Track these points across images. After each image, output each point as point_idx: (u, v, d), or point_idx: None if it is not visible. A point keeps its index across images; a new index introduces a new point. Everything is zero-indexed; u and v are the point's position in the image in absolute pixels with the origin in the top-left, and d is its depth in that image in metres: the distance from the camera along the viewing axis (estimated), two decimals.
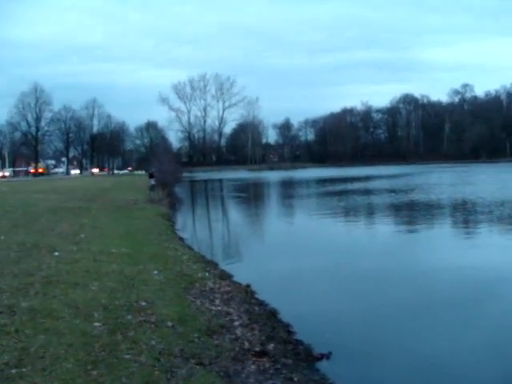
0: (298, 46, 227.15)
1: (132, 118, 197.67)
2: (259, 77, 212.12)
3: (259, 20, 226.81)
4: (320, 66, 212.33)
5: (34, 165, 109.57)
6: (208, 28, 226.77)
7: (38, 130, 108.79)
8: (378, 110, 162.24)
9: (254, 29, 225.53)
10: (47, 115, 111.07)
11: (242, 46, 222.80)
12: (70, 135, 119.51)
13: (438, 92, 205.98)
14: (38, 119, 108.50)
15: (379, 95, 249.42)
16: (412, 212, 28.18)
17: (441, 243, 17.72)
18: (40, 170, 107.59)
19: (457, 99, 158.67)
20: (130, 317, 7.55)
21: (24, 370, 5.44)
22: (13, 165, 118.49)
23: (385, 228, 22.23)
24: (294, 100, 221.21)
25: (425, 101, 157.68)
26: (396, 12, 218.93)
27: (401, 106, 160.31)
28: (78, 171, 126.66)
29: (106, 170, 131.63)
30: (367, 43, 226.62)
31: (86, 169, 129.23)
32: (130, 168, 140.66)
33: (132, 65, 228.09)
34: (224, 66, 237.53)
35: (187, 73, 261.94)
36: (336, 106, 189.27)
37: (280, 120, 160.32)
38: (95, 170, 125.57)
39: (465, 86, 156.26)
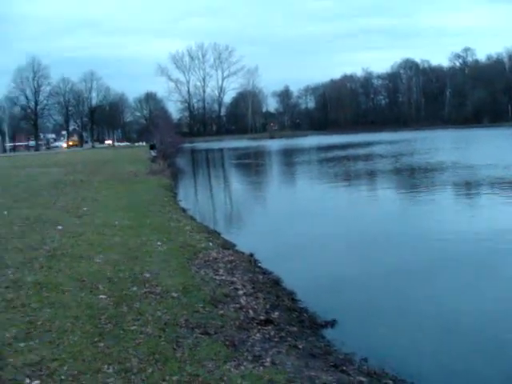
0: (298, 14, 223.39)
1: (131, 89, 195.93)
2: (259, 46, 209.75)
3: None
4: (320, 34, 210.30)
5: (65, 138, 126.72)
6: None
7: (36, 104, 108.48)
8: (379, 76, 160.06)
9: None
10: (46, 89, 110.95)
11: (243, 16, 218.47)
12: (70, 108, 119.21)
13: (439, 57, 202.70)
14: (36, 93, 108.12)
15: (380, 61, 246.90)
16: (400, 176, 29.71)
17: (430, 204, 18.48)
18: (70, 143, 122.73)
19: (458, 63, 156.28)
20: (135, 288, 7.59)
21: (32, 343, 5.48)
22: (12, 139, 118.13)
23: (379, 192, 23.64)
24: (294, 69, 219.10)
25: (425, 66, 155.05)
26: None
27: (401, 71, 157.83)
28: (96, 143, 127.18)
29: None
30: (368, 11, 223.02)
31: (87, 141, 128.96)
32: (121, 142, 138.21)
33: (132, 37, 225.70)
34: (224, 36, 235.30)
35: (187, 44, 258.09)
36: (336, 74, 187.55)
37: (280, 88, 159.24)
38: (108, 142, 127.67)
39: (466, 50, 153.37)
